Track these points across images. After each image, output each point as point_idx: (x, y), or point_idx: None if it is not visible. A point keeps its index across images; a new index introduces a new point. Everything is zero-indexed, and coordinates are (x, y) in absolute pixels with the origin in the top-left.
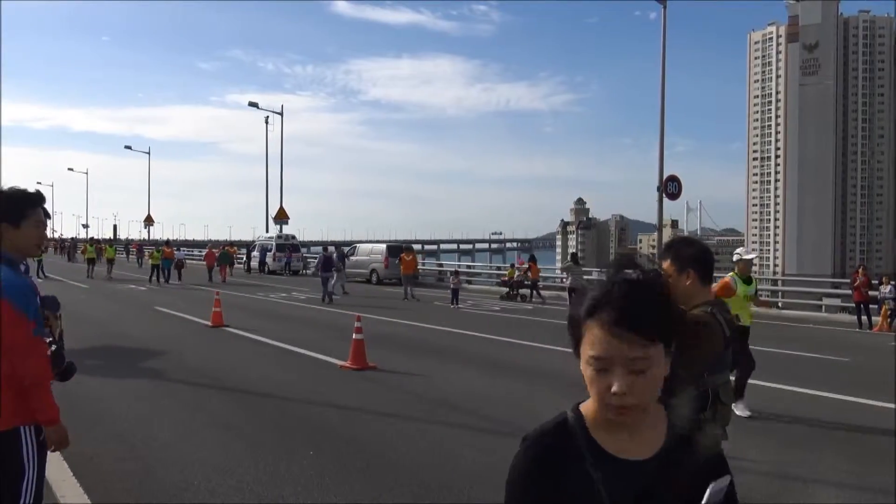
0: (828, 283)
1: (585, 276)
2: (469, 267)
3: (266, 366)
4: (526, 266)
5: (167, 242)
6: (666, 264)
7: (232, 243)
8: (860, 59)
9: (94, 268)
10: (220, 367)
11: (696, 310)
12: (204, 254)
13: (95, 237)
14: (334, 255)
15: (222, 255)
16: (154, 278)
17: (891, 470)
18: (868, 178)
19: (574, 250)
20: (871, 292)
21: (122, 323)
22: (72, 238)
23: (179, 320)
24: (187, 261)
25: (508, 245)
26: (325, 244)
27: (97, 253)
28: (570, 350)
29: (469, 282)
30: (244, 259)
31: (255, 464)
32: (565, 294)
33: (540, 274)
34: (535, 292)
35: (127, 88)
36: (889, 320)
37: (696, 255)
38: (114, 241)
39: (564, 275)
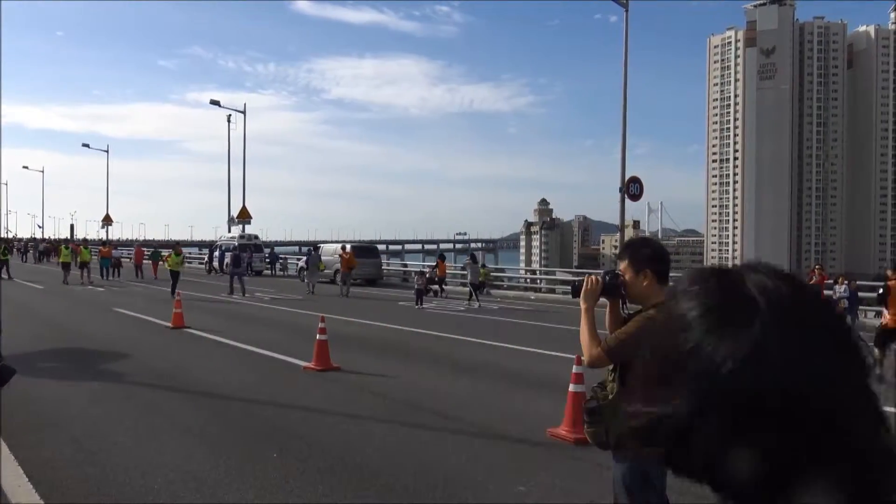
0: None
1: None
2: (433, 267)
3: (228, 367)
4: (435, 264)
5: (104, 243)
6: (623, 265)
7: (178, 242)
8: (815, 63)
9: (69, 273)
10: (182, 368)
11: (652, 310)
12: (133, 251)
13: (68, 238)
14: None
15: (153, 253)
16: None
17: None
18: (823, 181)
19: (475, 253)
20: (826, 291)
21: (80, 324)
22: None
23: (139, 321)
24: (123, 259)
25: (473, 245)
26: (272, 244)
27: (73, 255)
28: (535, 350)
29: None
30: (206, 259)
31: (218, 467)
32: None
33: (447, 272)
34: (441, 287)
35: (83, 85)
36: None
37: (653, 255)
38: (88, 243)
39: (467, 272)
